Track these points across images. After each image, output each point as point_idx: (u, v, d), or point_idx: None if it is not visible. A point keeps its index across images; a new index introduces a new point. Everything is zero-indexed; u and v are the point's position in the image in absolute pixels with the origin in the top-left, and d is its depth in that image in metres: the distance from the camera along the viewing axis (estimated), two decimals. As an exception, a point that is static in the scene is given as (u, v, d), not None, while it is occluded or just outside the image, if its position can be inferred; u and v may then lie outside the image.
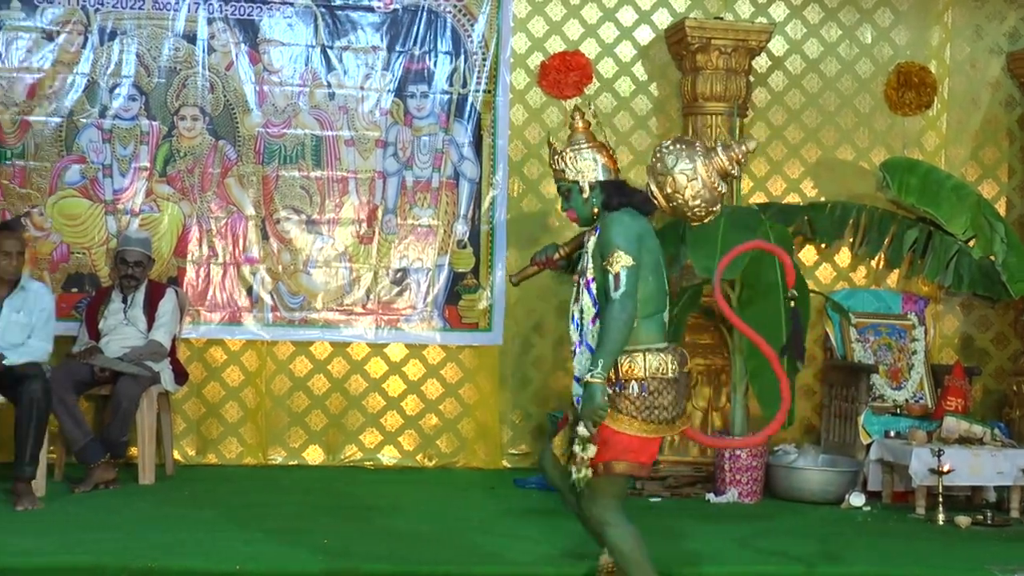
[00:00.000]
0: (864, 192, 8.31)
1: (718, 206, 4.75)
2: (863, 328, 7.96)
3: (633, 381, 4.51)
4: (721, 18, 8.05)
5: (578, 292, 4.66)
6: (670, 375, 4.55)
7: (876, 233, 8.00)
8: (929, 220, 7.95)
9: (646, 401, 4.52)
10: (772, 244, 5.71)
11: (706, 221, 4.80)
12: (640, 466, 4.61)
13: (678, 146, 4.69)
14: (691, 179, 4.64)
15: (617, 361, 4.48)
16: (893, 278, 8.38)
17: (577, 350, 4.66)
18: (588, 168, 4.68)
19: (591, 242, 4.62)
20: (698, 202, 4.68)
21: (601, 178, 4.67)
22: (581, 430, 4.42)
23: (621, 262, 4.45)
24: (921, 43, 8.50)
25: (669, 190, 4.67)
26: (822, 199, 8.28)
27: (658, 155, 4.69)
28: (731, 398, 7.46)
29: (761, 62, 8.23)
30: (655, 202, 4.70)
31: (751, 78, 8.04)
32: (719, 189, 4.71)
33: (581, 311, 4.64)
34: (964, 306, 8.45)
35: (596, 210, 4.67)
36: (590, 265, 4.59)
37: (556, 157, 4.73)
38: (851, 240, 8.13)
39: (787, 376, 5.02)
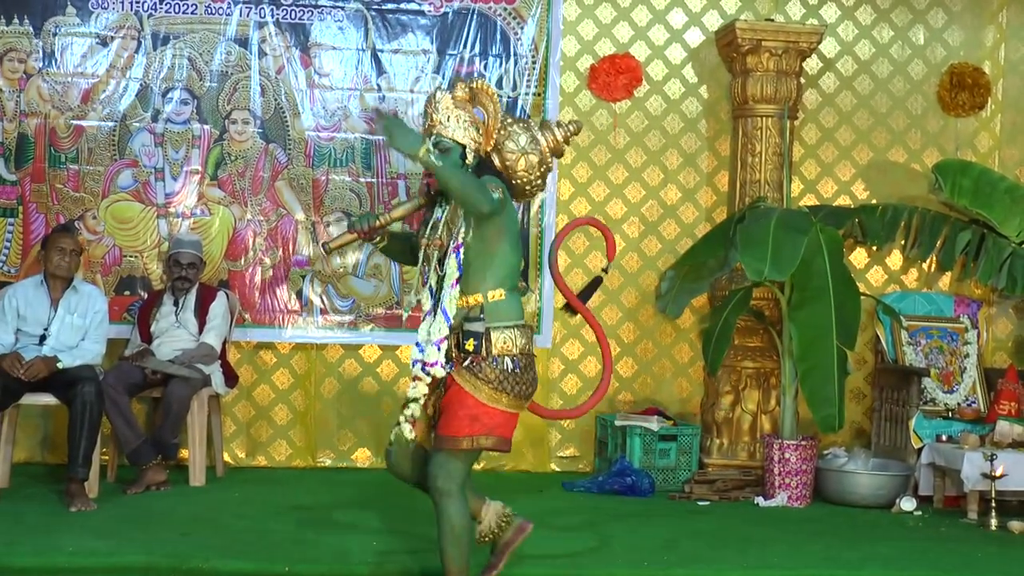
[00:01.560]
0: (916, 194, 8.24)
1: (543, 182, 4.95)
2: (914, 331, 7.90)
3: (507, 357, 4.63)
4: (772, 20, 8.02)
5: (442, 257, 4.69)
6: (531, 351, 4.72)
7: (928, 235, 7.93)
8: (982, 222, 7.89)
9: (518, 377, 4.64)
10: (597, 221, 5.91)
11: (534, 198, 5.10)
12: (505, 442, 4.71)
13: (517, 124, 4.85)
14: (529, 154, 4.80)
15: (490, 336, 4.59)
16: (945, 281, 8.31)
17: (429, 317, 4.70)
18: (475, 136, 4.74)
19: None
20: (532, 176, 4.84)
21: (475, 148, 4.75)
22: (414, 391, 4.64)
23: (499, 191, 4.56)
24: (975, 43, 8.41)
25: (514, 166, 4.80)
26: (873, 201, 8.22)
27: (503, 132, 4.80)
28: (780, 401, 7.42)
29: (812, 64, 8.18)
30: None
31: (802, 80, 8.00)
32: (550, 164, 4.91)
33: (441, 277, 4.67)
34: (1018, 309, 8.36)
35: None
36: (462, 229, 4.63)
37: (449, 112, 4.70)
38: (903, 243, 8.06)
39: (609, 351, 5.35)
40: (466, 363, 4.63)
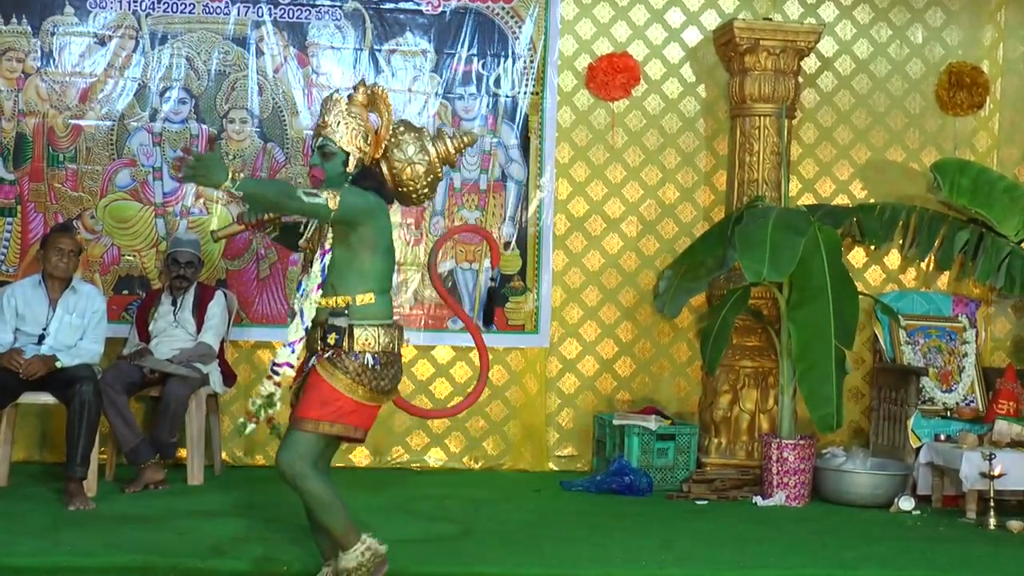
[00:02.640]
0: (914, 193, 8.25)
1: (431, 191, 5.05)
2: (913, 330, 7.91)
3: (368, 353, 4.77)
4: (770, 19, 8.02)
5: (310, 262, 4.85)
6: (396, 350, 4.86)
7: (926, 235, 7.93)
8: (980, 221, 7.89)
9: (376, 372, 4.79)
10: (481, 228, 6.21)
11: (423, 203, 5.16)
12: (355, 429, 4.84)
13: (408, 133, 4.95)
14: (416, 164, 4.92)
15: (353, 332, 4.73)
16: (944, 280, 8.31)
17: (292, 319, 4.80)
18: (361, 145, 4.88)
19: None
20: (418, 185, 4.96)
21: (358, 157, 4.87)
22: (264, 389, 4.74)
23: (333, 200, 4.60)
24: (973, 43, 8.42)
25: (400, 175, 4.92)
26: (871, 201, 8.22)
27: (393, 140, 4.91)
28: (778, 400, 7.42)
29: (810, 63, 8.18)
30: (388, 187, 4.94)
31: (800, 79, 8.00)
32: (439, 174, 5.01)
33: (306, 280, 4.81)
34: (1016, 308, 8.36)
35: (346, 184, 4.83)
36: (329, 235, 4.76)
37: (340, 118, 4.83)
38: (901, 242, 8.06)
39: (487, 358, 5.37)
40: (327, 355, 4.77)
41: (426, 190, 5.01)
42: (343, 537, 4.83)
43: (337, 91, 5.05)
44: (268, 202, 4.72)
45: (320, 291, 4.75)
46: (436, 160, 4.97)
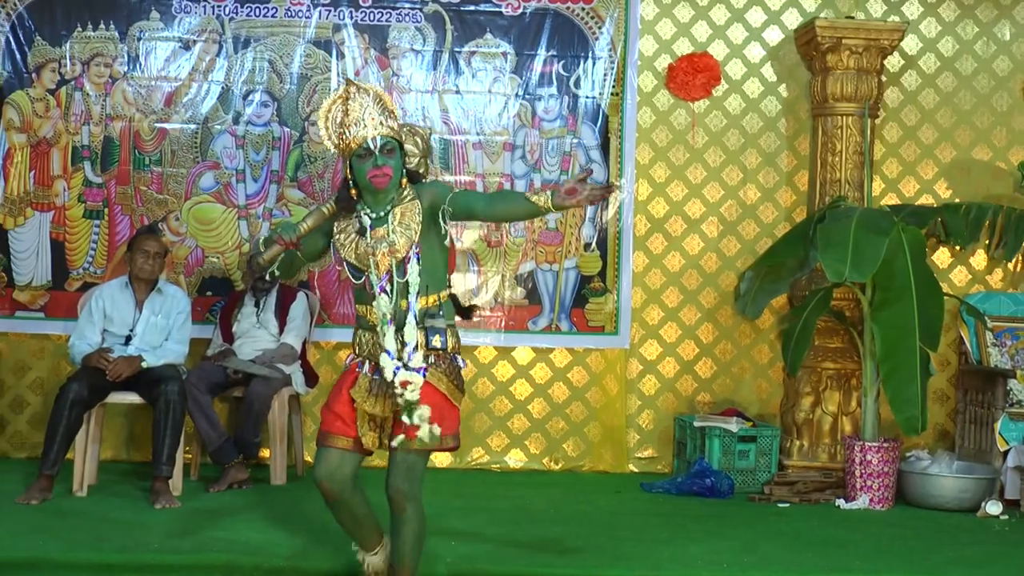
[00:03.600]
0: (1001, 193, 8.12)
1: None
2: (1000, 332, 7.78)
3: (458, 354, 4.67)
4: (852, 17, 7.93)
5: (401, 267, 4.58)
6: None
7: (1014, 235, 7.77)
8: (1069, 221, 7.75)
9: (461, 373, 4.67)
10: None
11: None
12: (458, 437, 4.73)
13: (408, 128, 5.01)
14: (419, 155, 5.05)
15: (446, 335, 4.57)
16: (1031, 281, 8.19)
17: (387, 328, 4.54)
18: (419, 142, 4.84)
19: (409, 209, 4.61)
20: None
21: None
22: (412, 395, 4.47)
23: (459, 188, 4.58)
24: (1062, 39, 8.28)
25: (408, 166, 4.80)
26: (957, 200, 8.09)
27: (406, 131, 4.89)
28: (861, 402, 7.34)
29: (893, 61, 8.08)
30: None
31: (883, 78, 7.90)
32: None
33: (403, 283, 4.57)
34: (1106, 309, 8.21)
35: (403, 180, 4.69)
36: (415, 237, 4.57)
37: (383, 114, 4.62)
38: (987, 242, 7.93)
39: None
40: (431, 361, 4.60)
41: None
42: (414, 572, 4.74)
43: (348, 86, 4.73)
44: (520, 215, 4.62)
45: (425, 297, 4.59)
46: (424, 152, 4.90)
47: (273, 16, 7.93)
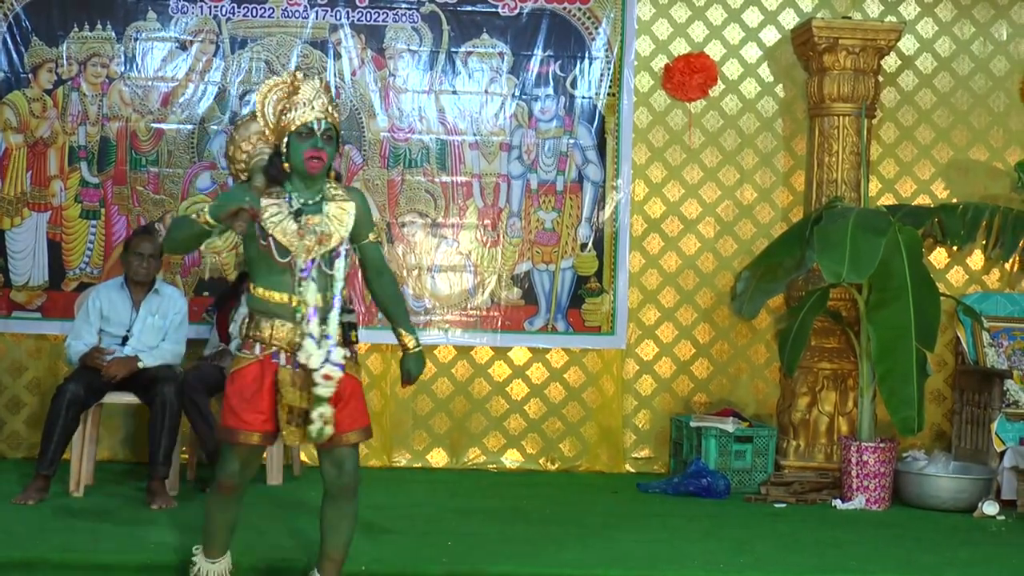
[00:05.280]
0: (998, 193, 8.13)
1: None
2: (996, 332, 7.79)
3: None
4: (849, 17, 7.94)
5: (329, 259, 4.58)
6: None
7: (1010, 235, 7.77)
8: (1066, 222, 7.75)
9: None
10: None
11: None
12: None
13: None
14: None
15: (356, 326, 4.68)
16: (1028, 281, 8.19)
17: (313, 317, 4.51)
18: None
19: (343, 207, 4.65)
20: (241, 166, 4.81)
21: None
22: (326, 390, 4.49)
23: (381, 236, 4.51)
24: (1058, 39, 8.28)
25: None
26: (954, 201, 8.10)
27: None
28: (858, 403, 7.34)
29: (890, 61, 8.08)
30: None
31: (880, 78, 7.91)
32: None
33: (330, 278, 4.58)
34: (1103, 310, 8.21)
35: (331, 174, 4.71)
36: (346, 234, 4.61)
37: (334, 104, 4.71)
38: (984, 243, 7.94)
39: None
40: (349, 354, 4.65)
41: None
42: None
43: (296, 73, 4.83)
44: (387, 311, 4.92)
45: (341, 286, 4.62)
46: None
47: (270, 16, 7.93)
